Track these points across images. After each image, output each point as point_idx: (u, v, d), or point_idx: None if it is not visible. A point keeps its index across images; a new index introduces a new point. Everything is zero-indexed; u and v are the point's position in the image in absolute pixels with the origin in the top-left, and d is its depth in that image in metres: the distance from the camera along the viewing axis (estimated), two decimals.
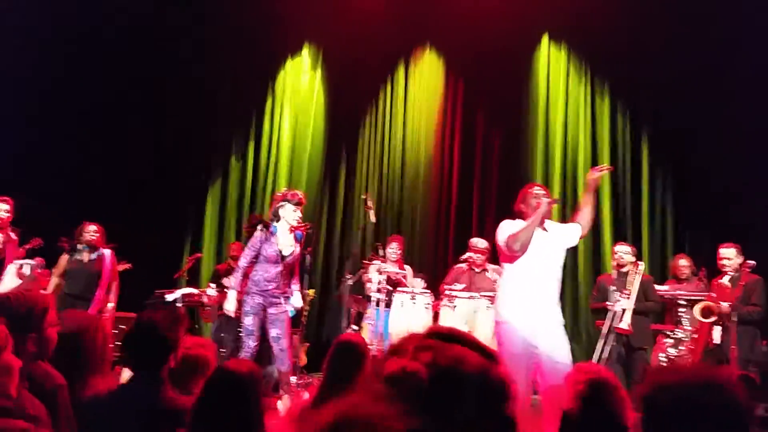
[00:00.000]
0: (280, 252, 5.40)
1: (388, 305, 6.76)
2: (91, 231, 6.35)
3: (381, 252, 7.13)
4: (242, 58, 9.39)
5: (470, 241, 7.15)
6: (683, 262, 6.61)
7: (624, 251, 6.26)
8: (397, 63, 9.63)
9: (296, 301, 5.56)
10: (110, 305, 6.28)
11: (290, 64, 9.78)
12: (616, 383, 2.14)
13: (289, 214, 5.49)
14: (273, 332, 5.31)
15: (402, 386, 1.34)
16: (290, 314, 5.50)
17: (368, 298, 7.18)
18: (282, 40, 9.72)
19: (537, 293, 4.09)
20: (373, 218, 7.24)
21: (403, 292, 6.99)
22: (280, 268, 5.38)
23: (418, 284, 7.17)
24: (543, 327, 3.99)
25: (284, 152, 9.56)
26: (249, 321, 5.32)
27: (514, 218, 4.31)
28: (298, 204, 5.52)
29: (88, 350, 2.74)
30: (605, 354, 5.87)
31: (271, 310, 5.36)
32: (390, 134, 9.54)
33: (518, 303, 4.10)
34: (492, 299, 5.98)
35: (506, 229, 4.22)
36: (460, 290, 6.66)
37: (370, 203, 7.18)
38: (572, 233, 4.35)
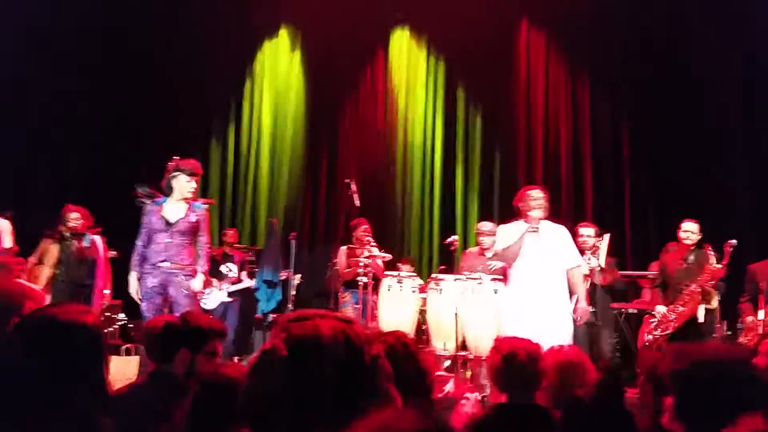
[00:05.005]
0: (166, 219, 4.88)
1: (369, 289, 6.77)
2: (73, 218, 6.25)
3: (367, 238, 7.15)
4: (219, 41, 9.23)
5: (477, 226, 7.14)
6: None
7: (588, 234, 6.05)
8: (377, 44, 9.57)
9: (195, 283, 4.88)
10: (106, 291, 6.29)
11: (268, 47, 9.66)
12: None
13: (183, 185, 4.95)
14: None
15: (266, 366, 1.38)
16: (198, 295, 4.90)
17: (350, 283, 7.20)
18: (259, 22, 9.58)
19: (534, 293, 4.32)
20: (357, 202, 7.21)
21: (391, 276, 6.99)
22: (169, 237, 4.86)
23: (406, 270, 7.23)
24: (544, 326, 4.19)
25: (265, 136, 9.47)
26: (144, 307, 4.86)
27: (511, 218, 4.81)
28: (192, 174, 4.96)
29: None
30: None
31: (171, 291, 4.82)
32: (371, 116, 9.49)
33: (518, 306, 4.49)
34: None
35: (498, 241, 4.86)
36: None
37: (353, 187, 7.14)
38: (567, 258, 4.79)
